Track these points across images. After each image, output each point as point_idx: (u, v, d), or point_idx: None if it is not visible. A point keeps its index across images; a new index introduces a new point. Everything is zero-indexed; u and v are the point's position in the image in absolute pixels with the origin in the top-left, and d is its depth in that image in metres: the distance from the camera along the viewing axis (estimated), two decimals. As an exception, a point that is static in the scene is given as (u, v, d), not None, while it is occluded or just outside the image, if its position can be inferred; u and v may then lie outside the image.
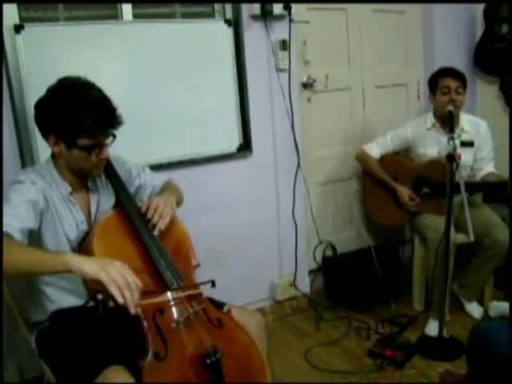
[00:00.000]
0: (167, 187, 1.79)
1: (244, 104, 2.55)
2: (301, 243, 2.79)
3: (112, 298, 1.16)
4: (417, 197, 2.63)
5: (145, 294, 1.28)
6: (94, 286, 1.21)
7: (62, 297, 1.54)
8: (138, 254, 1.48)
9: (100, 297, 1.20)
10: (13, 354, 2.13)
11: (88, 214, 1.56)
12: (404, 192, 2.64)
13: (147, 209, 1.54)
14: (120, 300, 1.16)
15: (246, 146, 2.59)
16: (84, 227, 1.53)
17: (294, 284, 2.79)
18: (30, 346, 1.57)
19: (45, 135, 1.45)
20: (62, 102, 1.38)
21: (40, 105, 1.43)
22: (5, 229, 1.28)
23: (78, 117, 1.37)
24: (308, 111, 2.89)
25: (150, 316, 1.39)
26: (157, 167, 2.22)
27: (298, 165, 2.71)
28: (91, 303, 1.48)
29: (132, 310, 1.18)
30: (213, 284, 1.45)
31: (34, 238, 1.43)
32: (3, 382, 1.79)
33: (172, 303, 1.41)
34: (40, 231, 1.46)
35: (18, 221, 1.33)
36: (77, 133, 1.39)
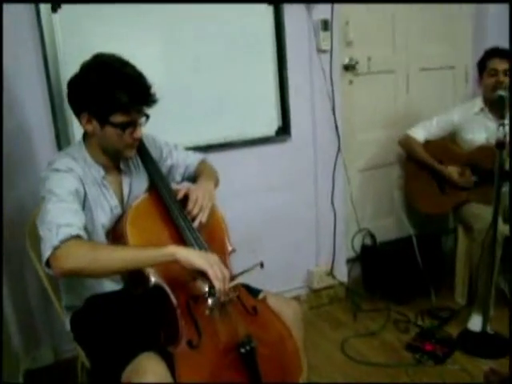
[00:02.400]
0: (203, 169, 1.74)
1: (284, 86, 2.47)
2: (339, 231, 2.74)
3: (209, 287, 1.34)
4: (467, 169, 2.50)
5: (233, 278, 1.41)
6: (191, 272, 1.35)
7: (96, 283, 1.52)
8: (171, 239, 1.45)
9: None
10: (48, 334, 2.16)
11: (121, 197, 1.53)
12: (452, 171, 2.53)
13: (184, 196, 1.52)
14: (219, 292, 1.32)
15: (284, 130, 2.53)
16: (118, 211, 1.51)
17: (331, 273, 2.74)
18: (65, 328, 1.57)
19: (77, 113, 1.42)
20: (96, 78, 1.35)
21: (73, 82, 1.41)
22: (72, 231, 1.27)
23: (112, 92, 1.34)
24: (350, 94, 2.79)
25: (183, 303, 1.38)
26: (194, 150, 2.15)
27: (339, 149, 2.64)
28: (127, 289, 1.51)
29: (223, 298, 1.36)
30: (261, 265, 1.42)
31: None
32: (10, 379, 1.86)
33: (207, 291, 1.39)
34: None
35: (76, 217, 1.33)
36: (110, 109, 1.36)
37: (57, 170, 1.39)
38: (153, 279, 1.35)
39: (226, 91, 2.36)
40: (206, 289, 1.35)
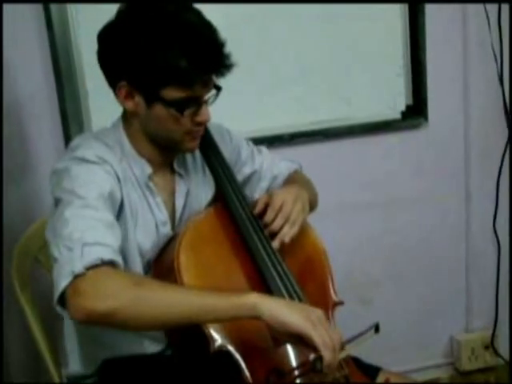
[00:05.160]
0: (295, 180, 1.76)
1: (418, 35, 2.34)
2: (506, 274, 2.59)
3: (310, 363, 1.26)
4: None
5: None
6: (283, 337, 1.27)
7: (122, 338, 1.49)
8: (247, 279, 1.46)
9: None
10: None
11: (172, 211, 1.53)
12: None
13: (265, 207, 1.51)
14: (328, 366, 1.22)
15: (417, 110, 2.44)
16: (166, 230, 1.51)
17: (491, 345, 2.62)
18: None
19: (112, 83, 1.40)
20: (139, 29, 1.32)
21: (106, 35, 1.39)
22: (104, 254, 1.23)
23: (164, 53, 1.31)
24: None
25: (261, 380, 1.35)
26: (273, 140, 2.21)
27: (509, 142, 2.48)
28: (167, 351, 1.51)
29: (331, 376, 1.30)
30: (376, 328, 1.35)
31: None
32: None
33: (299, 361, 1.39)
34: None
35: (110, 233, 1.30)
36: (163, 79, 1.33)
37: (82, 160, 1.37)
38: (217, 341, 1.31)
39: (323, 49, 2.29)
40: (297, 360, 1.31)
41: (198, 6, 1.43)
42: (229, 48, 1.36)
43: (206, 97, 1.40)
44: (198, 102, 1.38)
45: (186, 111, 1.37)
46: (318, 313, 1.25)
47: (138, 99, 1.37)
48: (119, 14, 1.38)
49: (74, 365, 1.55)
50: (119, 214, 1.41)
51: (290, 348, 1.40)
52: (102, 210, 1.32)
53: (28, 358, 2.08)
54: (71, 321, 1.54)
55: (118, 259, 1.27)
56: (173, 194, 1.54)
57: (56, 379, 1.60)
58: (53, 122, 2.07)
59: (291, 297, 1.43)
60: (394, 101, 2.39)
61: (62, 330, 1.60)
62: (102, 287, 1.19)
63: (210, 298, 1.23)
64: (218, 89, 1.41)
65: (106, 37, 1.38)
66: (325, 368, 1.22)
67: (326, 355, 1.19)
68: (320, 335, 1.20)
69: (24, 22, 2.00)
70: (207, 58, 1.33)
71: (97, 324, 1.25)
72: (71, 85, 2.07)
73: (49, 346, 1.62)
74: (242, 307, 1.21)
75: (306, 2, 2.22)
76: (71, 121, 2.07)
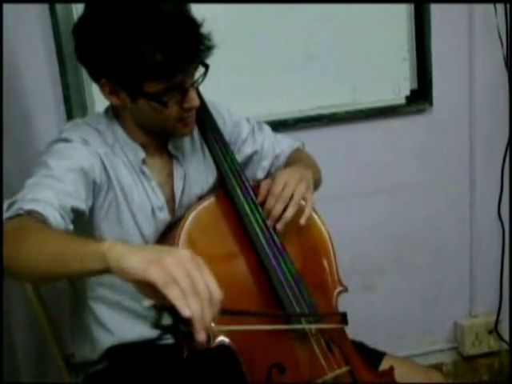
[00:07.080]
0: (298, 158, 1.74)
1: (423, 19, 2.32)
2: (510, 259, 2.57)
3: (176, 315, 0.95)
4: None
5: (233, 313, 1.16)
6: (148, 295, 0.99)
7: (125, 324, 1.51)
8: (248, 271, 1.45)
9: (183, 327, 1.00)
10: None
11: (170, 195, 1.52)
12: None
13: (268, 191, 1.50)
14: (186, 312, 0.91)
15: (422, 95, 2.42)
16: (163, 216, 1.50)
17: (495, 330, 2.61)
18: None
19: (95, 79, 1.39)
20: (109, 21, 1.29)
21: (80, 29, 1.36)
22: (25, 205, 1.19)
23: (139, 48, 1.28)
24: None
25: (261, 373, 1.34)
26: (277, 125, 2.17)
27: None
28: (169, 338, 1.48)
29: (201, 336, 0.94)
30: (343, 319, 1.39)
31: (84, 230, 1.39)
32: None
33: (301, 355, 1.37)
34: (93, 219, 1.42)
35: (56, 194, 1.26)
36: (141, 74, 1.31)
37: (65, 140, 1.38)
38: (217, 336, 1.29)
39: (328, 34, 2.27)
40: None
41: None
42: (208, 27, 1.33)
43: (192, 80, 1.37)
44: (182, 89, 1.36)
45: (171, 102, 1.35)
46: (179, 253, 0.99)
47: (123, 95, 1.36)
48: (89, 5, 1.35)
49: (80, 350, 1.56)
50: (103, 196, 1.40)
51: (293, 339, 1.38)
52: (66, 182, 1.29)
53: (36, 357, 2.10)
54: (75, 307, 1.59)
55: (48, 211, 1.19)
56: (170, 177, 1.53)
57: (63, 368, 1.62)
58: (57, 109, 2.08)
59: (293, 290, 1.41)
60: (398, 85, 2.38)
61: (66, 318, 1.63)
62: (4, 236, 1.14)
63: (67, 243, 1.09)
64: (206, 66, 1.38)
65: (81, 33, 1.36)
66: (196, 333, 0.94)
67: (171, 294, 0.92)
68: (164, 272, 0.93)
69: (26, 8, 1.99)
70: (183, 48, 1.30)
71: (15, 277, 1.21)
72: (75, 71, 2.06)
73: (54, 332, 1.63)
74: (91, 256, 1.01)
75: (308, 2, 2.20)
76: (75, 108, 2.07)
